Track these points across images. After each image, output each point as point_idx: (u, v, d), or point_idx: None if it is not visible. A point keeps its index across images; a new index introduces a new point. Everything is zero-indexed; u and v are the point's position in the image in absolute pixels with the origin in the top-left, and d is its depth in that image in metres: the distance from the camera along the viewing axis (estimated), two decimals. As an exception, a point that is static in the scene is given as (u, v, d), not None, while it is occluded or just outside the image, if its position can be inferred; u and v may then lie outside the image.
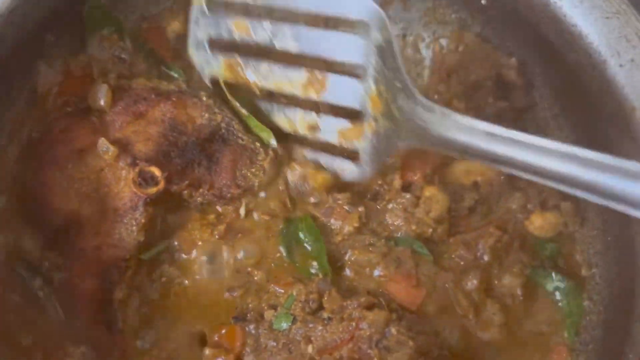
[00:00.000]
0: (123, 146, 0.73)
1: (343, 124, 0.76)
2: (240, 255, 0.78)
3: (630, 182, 0.59)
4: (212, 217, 0.78)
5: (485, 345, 0.79)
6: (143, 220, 0.72)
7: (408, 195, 0.83)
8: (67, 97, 0.79)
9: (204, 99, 0.78)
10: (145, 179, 0.72)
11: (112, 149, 0.72)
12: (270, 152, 0.78)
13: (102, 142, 0.73)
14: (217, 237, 0.77)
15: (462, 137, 0.67)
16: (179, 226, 0.78)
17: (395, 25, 0.97)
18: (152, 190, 0.71)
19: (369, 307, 0.72)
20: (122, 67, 0.81)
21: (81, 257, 0.71)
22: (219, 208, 0.78)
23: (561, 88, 0.87)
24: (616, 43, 0.75)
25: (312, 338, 0.71)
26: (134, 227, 0.72)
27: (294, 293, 0.73)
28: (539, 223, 0.83)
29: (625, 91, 0.73)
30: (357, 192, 0.83)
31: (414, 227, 0.80)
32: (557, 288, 0.82)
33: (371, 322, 0.71)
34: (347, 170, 0.78)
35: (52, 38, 0.81)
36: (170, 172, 0.73)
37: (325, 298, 0.72)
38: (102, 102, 0.76)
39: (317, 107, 0.77)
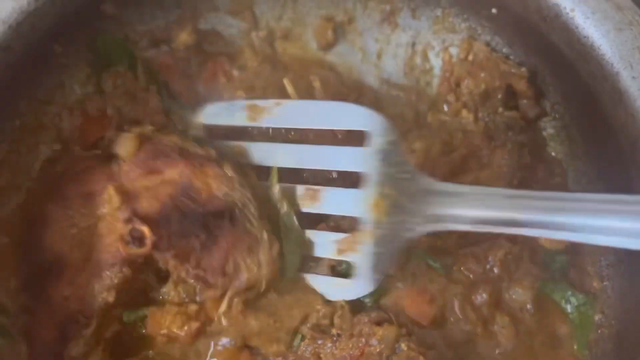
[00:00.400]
0: (128, 199, 0.70)
1: (339, 236, 0.74)
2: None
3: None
4: (193, 308, 0.72)
5: (496, 359, 0.78)
6: (116, 281, 0.68)
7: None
8: (93, 139, 0.78)
9: (229, 172, 0.74)
10: (134, 238, 0.68)
11: (116, 199, 0.69)
12: (275, 248, 0.73)
13: (109, 190, 0.70)
14: (183, 334, 0.71)
15: (479, 212, 0.67)
16: (157, 298, 0.73)
17: (404, 33, 0.96)
18: (136, 250, 0.68)
19: (379, 323, 0.72)
20: (134, 105, 0.80)
21: (48, 304, 0.69)
22: (197, 298, 0.72)
23: (572, 98, 0.86)
24: (629, 55, 0.74)
25: (322, 355, 0.70)
26: (106, 286, 0.68)
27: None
28: (549, 235, 0.82)
29: (638, 104, 0.73)
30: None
31: (423, 239, 0.80)
32: (567, 301, 0.81)
33: (381, 337, 0.70)
34: (344, 288, 0.74)
35: (60, 49, 0.81)
36: (162, 237, 0.69)
37: (336, 316, 0.72)
38: (122, 151, 0.73)
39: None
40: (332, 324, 0.72)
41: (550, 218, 0.63)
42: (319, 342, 0.71)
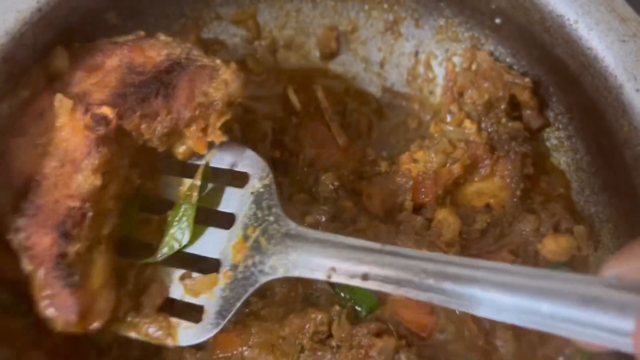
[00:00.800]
0: (80, 99, 0.70)
1: (191, 275, 0.72)
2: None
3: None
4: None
5: (498, 371, 0.78)
6: (97, 162, 0.68)
7: (419, 218, 0.82)
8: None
9: (162, 37, 0.75)
10: (98, 121, 0.68)
11: (67, 102, 0.69)
12: (233, 65, 0.73)
13: (58, 98, 0.70)
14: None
15: (335, 262, 0.65)
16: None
17: (407, 43, 0.96)
18: (104, 129, 0.68)
19: (378, 334, 0.71)
20: None
21: (40, 214, 0.68)
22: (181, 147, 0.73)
23: (576, 109, 0.85)
24: (633, 67, 0.73)
25: (321, 367, 0.70)
26: (89, 172, 0.68)
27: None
28: (552, 247, 0.81)
29: (642, 117, 0.72)
30: (366, 214, 0.83)
31: (425, 250, 0.79)
32: (570, 313, 0.80)
33: (380, 349, 0.70)
34: (186, 331, 0.71)
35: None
36: (124, 109, 0.69)
37: (334, 326, 0.72)
38: (59, 64, 0.74)
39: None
40: (330, 335, 0.72)
41: (396, 274, 0.61)
42: (319, 353, 0.71)
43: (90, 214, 0.68)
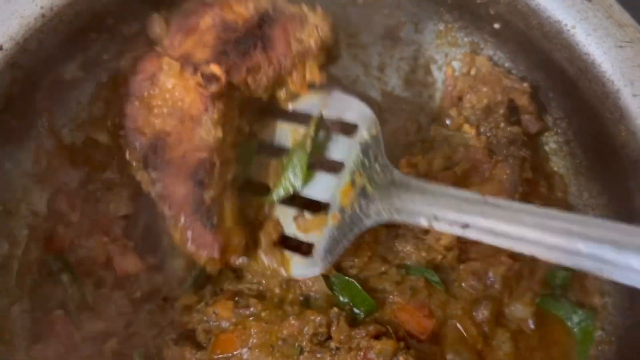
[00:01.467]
0: (185, 60, 0.75)
1: (303, 214, 0.77)
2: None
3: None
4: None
5: (496, 374, 0.78)
6: (215, 116, 0.74)
7: (418, 222, 0.83)
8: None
9: None
10: (209, 79, 0.73)
11: (175, 64, 0.75)
12: (319, 10, 0.78)
13: (165, 61, 0.75)
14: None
15: (436, 210, 0.69)
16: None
17: (407, 47, 0.97)
18: (216, 85, 0.73)
19: (377, 336, 0.72)
20: None
21: (171, 167, 0.74)
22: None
23: (574, 114, 0.86)
24: (630, 72, 0.74)
25: (321, 368, 0.71)
26: (210, 126, 0.74)
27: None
28: (550, 250, 0.82)
29: (639, 121, 0.73)
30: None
31: (423, 254, 0.80)
32: (568, 317, 0.81)
33: (379, 351, 0.70)
34: (298, 264, 0.77)
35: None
36: (229, 65, 0.74)
37: (333, 328, 0.72)
38: (158, 30, 0.78)
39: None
40: (329, 337, 0.72)
41: (496, 226, 0.65)
42: (318, 355, 0.71)
43: (218, 162, 0.75)
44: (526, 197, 0.87)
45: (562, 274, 0.83)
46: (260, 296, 0.77)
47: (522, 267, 0.81)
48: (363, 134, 0.75)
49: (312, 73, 0.77)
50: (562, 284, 0.83)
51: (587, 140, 0.86)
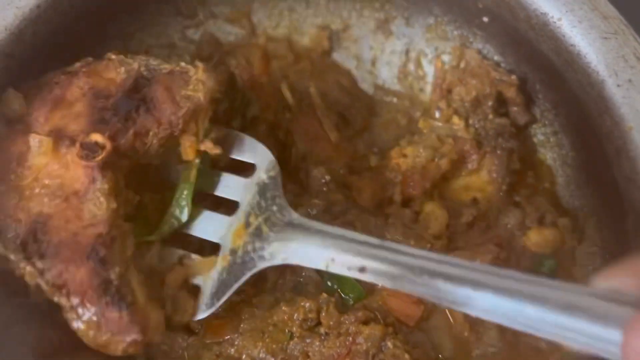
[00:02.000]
0: (57, 134, 0.70)
1: (190, 256, 0.75)
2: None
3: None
4: None
5: (482, 359, 0.79)
6: (106, 186, 0.68)
7: (408, 211, 0.84)
8: None
9: (113, 57, 0.75)
10: (92, 149, 0.68)
11: (46, 140, 0.69)
12: (200, 64, 0.74)
13: (33, 138, 0.70)
14: None
15: (333, 254, 0.67)
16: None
17: (398, 41, 0.98)
18: (101, 155, 0.68)
19: (366, 322, 0.73)
20: None
21: (62, 251, 0.67)
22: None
23: (561, 105, 0.87)
24: (614, 63, 0.76)
25: (310, 353, 0.72)
26: (101, 198, 0.68)
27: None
28: (536, 239, 0.83)
29: (622, 111, 0.74)
30: (356, 207, 0.85)
31: (412, 243, 0.81)
32: (554, 304, 0.82)
33: (367, 336, 0.72)
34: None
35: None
36: (113, 131, 0.69)
37: (323, 314, 0.73)
38: (16, 107, 0.73)
39: None
40: (319, 323, 0.74)
41: (394, 270, 0.63)
42: (307, 340, 0.73)
43: (117, 235, 0.69)
44: (514, 188, 0.88)
45: (549, 262, 0.84)
46: (252, 282, 0.78)
47: (509, 255, 0.82)
48: (261, 174, 0.74)
49: (204, 142, 0.73)
50: (549, 272, 0.84)
51: (574, 131, 0.87)
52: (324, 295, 0.75)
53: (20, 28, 0.74)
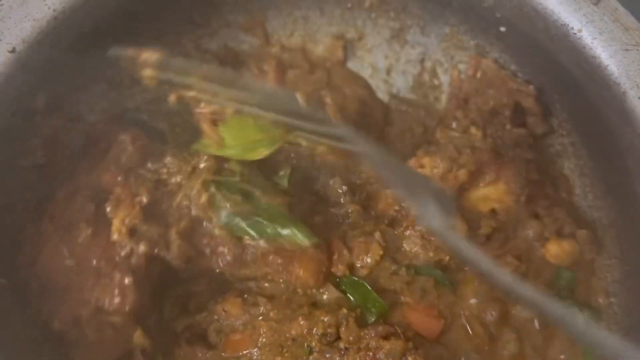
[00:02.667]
0: None
1: None
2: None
3: None
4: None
5: (502, 374, 0.79)
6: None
7: (426, 222, 0.83)
8: None
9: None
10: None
11: None
12: None
13: None
14: None
15: None
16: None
17: (413, 50, 0.98)
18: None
19: (386, 337, 0.72)
20: None
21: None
22: None
23: (579, 116, 0.87)
24: (636, 75, 0.75)
25: (330, 368, 0.71)
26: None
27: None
28: (555, 251, 0.83)
29: (645, 124, 0.74)
30: (373, 217, 0.84)
31: (431, 254, 0.81)
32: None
33: (388, 351, 0.71)
34: None
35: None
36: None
37: (342, 328, 0.73)
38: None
39: None
40: (339, 338, 0.73)
41: None
42: (327, 355, 0.72)
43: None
44: (532, 199, 0.87)
45: (568, 274, 0.83)
46: (269, 296, 0.78)
47: (528, 268, 0.82)
48: None
49: None
50: (568, 285, 0.83)
51: (592, 142, 0.86)
52: (344, 310, 0.74)
53: (38, 40, 0.73)
